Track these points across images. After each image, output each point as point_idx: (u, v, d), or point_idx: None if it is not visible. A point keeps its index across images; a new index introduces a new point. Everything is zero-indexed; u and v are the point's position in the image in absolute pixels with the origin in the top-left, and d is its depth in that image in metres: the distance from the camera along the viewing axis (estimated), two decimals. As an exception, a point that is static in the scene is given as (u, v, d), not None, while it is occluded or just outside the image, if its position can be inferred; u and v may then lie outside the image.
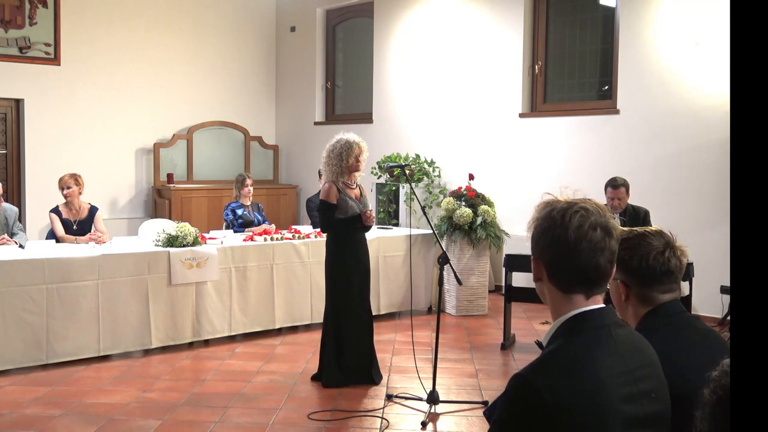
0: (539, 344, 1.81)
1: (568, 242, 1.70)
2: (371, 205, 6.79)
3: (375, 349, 5.50)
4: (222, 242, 6.60)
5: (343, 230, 5.30)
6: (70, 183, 6.85)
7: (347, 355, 5.34)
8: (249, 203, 7.79)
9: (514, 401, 1.64)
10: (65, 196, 6.87)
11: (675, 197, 7.38)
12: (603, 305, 1.77)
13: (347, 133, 5.40)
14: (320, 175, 8.11)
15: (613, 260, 1.75)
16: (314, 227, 7.66)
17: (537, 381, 1.61)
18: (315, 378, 5.44)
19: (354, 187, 5.38)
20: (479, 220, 7.58)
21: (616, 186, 6.44)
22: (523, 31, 8.62)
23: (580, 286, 1.73)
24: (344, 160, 5.25)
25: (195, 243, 6.33)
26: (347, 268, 5.30)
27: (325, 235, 5.54)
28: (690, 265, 5.87)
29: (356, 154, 5.26)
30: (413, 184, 8.86)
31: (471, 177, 8.04)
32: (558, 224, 1.72)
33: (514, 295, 6.42)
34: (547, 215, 1.75)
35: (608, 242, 1.72)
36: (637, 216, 6.46)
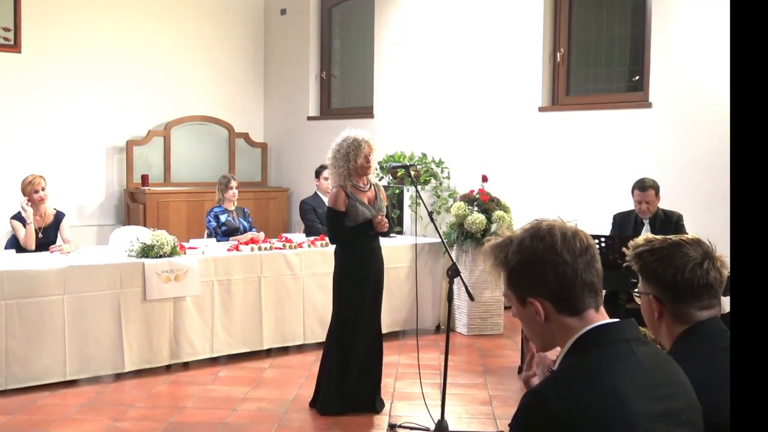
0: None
1: (563, 260, 1.77)
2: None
3: (382, 374, 5.52)
4: (203, 252, 6.62)
5: (354, 239, 5.31)
6: (42, 184, 6.86)
7: (351, 380, 5.34)
8: (234, 208, 7.80)
9: (528, 419, 1.67)
10: (39, 199, 6.85)
11: (714, 201, 7.38)
12: (618, 319, 1.80)
13: (354, 130, 5.38)
14: (317, 175, 8.15)
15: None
16: (308, 234, 7.68)
17: (551, 395, 1.64)
18: (312, 404, 5.46)
19: (366, 189, 5.37)
20: (494, 227, 7.59)
21: (643, 188, 6.46)
22: (543, 15, 8.63)
23: (590, 296, 1.80)
24: (351, 160, 5.24)
25: (173, 253, 6.34)
26: (357, 282, 5.31)
27: (332, 245, 5.56)
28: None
29: (365, 153, 5.25)
30: (419, 187, 8.87)
31: (484, 179, 8.05)
32: (541, 250, 1.78)
33: (533, 312, 6.42)
34: (521, 250, 1.80)
35: (588, 241, 1.82)
36: (668, 222, 6.47)
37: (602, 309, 1.82)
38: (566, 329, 1.79)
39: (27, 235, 6.68)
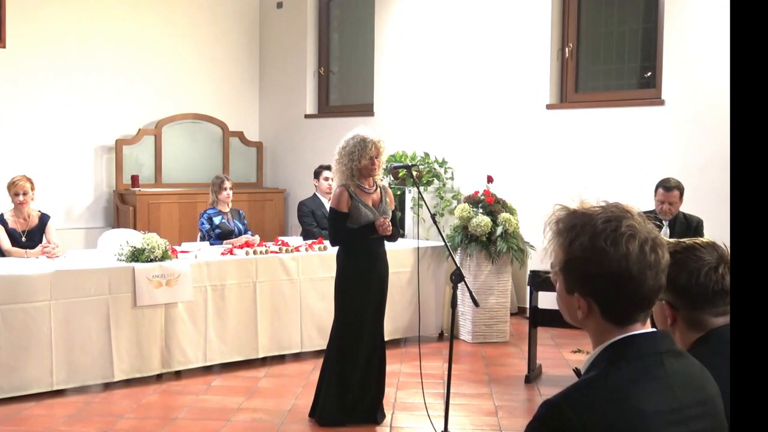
0: (577, 372, 1.82)
1: (630, 275, 1.72)
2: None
3: (385, 384, 5.52)
4: (196, 256, 6.62)
5: (356, 242, 5.32)
6: (26, 188, 6.88)
7: (351, 389, 5.35)
8: (228, 210, 7.81)
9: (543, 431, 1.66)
10: (20, 203, 6.88)
11: (728, 202, 7.39)
12: (655, 329, 1.79)
13: (364, 128, 5.41)
14: (316, 175, 8.15)
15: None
16: (305, 237, 7.68)
17: (570, 409, 1.63)
18: (311, 414, 5.46)
19: (372, 191, 5.39)
20: (499, 230, 7.59)
21: (668, 188, 6.48)
22: (552, 8, 8.64)
23: (641, 312, 1.77)
24: (356, 160, 5.26)
25: (164, 257, 6.35)
26: (359, 287, 5.32)
27: (334, 248, 5.57)
28: (748, 283, 5.86)
29: (371, 154, 5.26)
30: (422, 188, 8.86)
31: (489, 179, 8.05)
32: (611, 256, 1.72)
33: (540, 318, 6.43)
34: (591, 247, 1.74)
35: (664, 254, 1.76)
36: (688, 226, 6.49)
37: (648, 322, 1.80)
38: (603, 332, 1.78)
39: (11, 252, 6.71)
